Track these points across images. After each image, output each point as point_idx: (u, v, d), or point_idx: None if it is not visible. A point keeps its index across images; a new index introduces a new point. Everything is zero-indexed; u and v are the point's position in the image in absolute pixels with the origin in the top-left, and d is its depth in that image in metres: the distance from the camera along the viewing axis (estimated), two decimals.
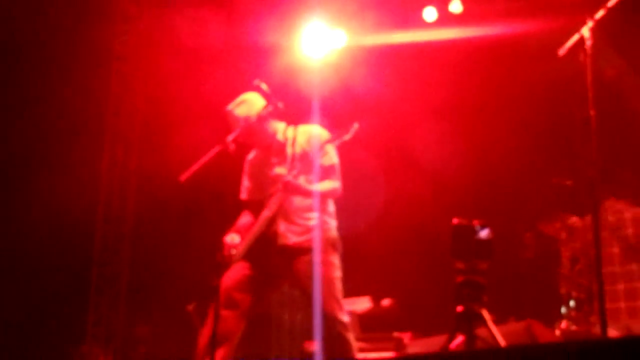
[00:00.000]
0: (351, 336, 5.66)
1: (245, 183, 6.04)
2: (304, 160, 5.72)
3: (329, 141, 5.73)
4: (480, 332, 5.01)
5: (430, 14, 9.59)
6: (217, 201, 5.74)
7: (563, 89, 8.17)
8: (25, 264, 9.49)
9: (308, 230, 5.70)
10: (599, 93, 4.88)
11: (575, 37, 4.96)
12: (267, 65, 8.79)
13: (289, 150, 5.83)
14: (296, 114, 6.09)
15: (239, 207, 6.04)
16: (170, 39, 10.00)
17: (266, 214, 5.67)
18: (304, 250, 5.65)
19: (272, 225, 5.68)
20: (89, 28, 9.93)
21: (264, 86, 5.89)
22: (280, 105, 5.87)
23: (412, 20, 9.49)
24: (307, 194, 5.68)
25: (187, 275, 9.03)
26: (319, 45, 8.91)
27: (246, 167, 6.09)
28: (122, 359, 9.20)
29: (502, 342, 4.93)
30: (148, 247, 9.94)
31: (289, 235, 5.69)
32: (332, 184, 5.77)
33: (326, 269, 5.59)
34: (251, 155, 6.11)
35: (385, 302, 8.61)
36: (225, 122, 5.94)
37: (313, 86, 6.80)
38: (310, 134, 5.84)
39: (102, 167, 10.31)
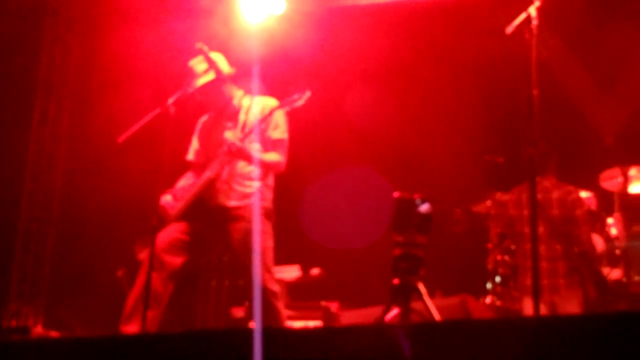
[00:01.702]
0: (281, 305, 5.70)
1: (194, 144, 6.03)
2: (256, 130, 5.70)
3: (278, 107, 5.72)
4: (416, 305, 5.05)
5: None
6: (153, 164, 5.63)
7: (505, 66, 8.26)
8: None
9: (245, 196, 5.71)
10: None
11: (522, 16, 5.00)
12: (204, 29, 8.67)
13: (241, 117, 5.82)
14: (234, 80, 6.05)
15: (175, 171, 5.97)
16: None
17: (207, 174, 5.66)
18: (239, 217, 5.65)
19: (211, 187, 5.65)
20: None
21: (206, 49, 5.85)
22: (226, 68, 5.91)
23: None
24: (250, 159, 5.66)
25: (118, 238, 8.91)
26: (257, 11, 8.80)
27: (197, 128, 6.07)
28: (50, 319, 9.06)
29: (437, 316, 4.97)
30: (79, 207, 9.78)
31: (226, 197, 5.67)
32: (277, 157, 5.78)
33: (257, 236, 5.59)
34: (204, 117, 6.08)
35: (315, 271, 8.64)
36: (162, 84, 5.89)
37: (251, 52, 6.72)
38: (265, 105, 5.82)
39: (32, 123, 10.07)
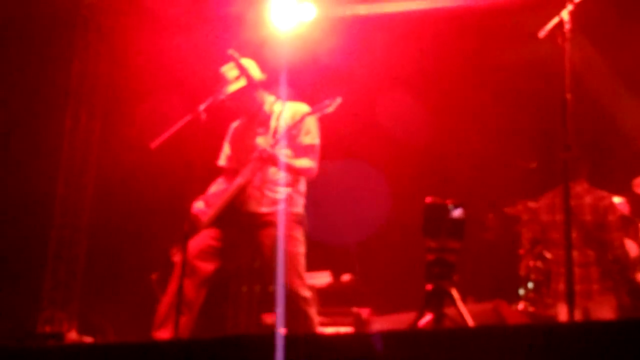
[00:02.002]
0: (313, 311, 5.69)
1: (226, 150, 6.05)
2: (287, 134, 5.70)
3: (309, 113, 5.73)
4: (449, 311, 5.02)
5: None
6: (184, 170, 5.67)
7: (538, 71, 8.20)
8: None
9: (275, 202, 5.71)
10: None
11: (555, 20, 4.98)
12: (235, 36, 8.71)
13: (272, 123, 5.83)
14: (265, 86, 6.06)
15: (207, 177, 6.00)
16: (136, 6, 9.85)
17: (239, 181, 5.67)
18: (269, 223, 5.66)
19: (242, 194, 5.66)
20: None
21: (237, 55, 5.88)
22: (258, 75, 5.94)
23: None
24: (281, 166, 5.65)
25: (150, 243, 8.95)
26: (287, 18, 8.82)
27: (229, 134, 6.10)
28: (84, 325, 9.11)
29: (470, 322, 4.95)
30: (110, 214, 9.83)
31: (257, 203, 5.68)
32: (308, 163, 5.77)
33: (290, 244, 5.61)
34: (236, 123, 6.10)
35: (345, 277, 8.64)
36: (192, 91, 5.92)
37: (281, 58, 6.73)
38: (296, 111, 5.83)
39: (64, 130, 10.15)
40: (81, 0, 10.30)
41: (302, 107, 5.87)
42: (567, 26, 4.96)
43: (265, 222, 5.68)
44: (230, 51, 5.89)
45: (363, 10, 9.53)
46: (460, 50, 9.62)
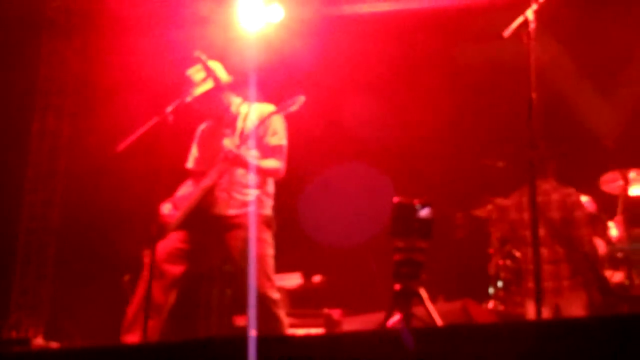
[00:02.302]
0: (282, 313, 5.69)
1: (194, 152, 6.04)
2: (254, 137, 5.69)
3: (274, 112, 5.72)
4: (417, 310, 5.03)
5: None
6: (152, 172, 5.64)
7: (503, 70, 8.23)
8: None
9: (244, 204, 5.70)
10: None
11: (519, 19, 4.99)
12: (201, 37, 8.67)
13: (239, 124, 5.81)
14: (232, 88, 6.05)
15: (175, 179, 5.97)
16: (103, 7, 9.79)
17: (206, 182, 5.65)
18: (238, 225, 5.65)
19: (209, 195, 5.64)
20: None
21: (204, 57, 5.86)
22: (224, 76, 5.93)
23: None
24: (247, 166, 5.64)
25: (119, 246, 8.90)
26: (254, 19, 8.79)
27: (197, 136, 6.07)
28: (51, 330, 9.04)
29: (439, 321, 4.96)
30: (79, 217, 9.77)
31: (225, 206, 5.66)
32: (275, 163, 5.76)
33: (258, 246, 5.61)
34: (203, 125, 6.08)
35: (316, 278, 8.63)
36: (159, 92, 5.89)
37: (248, 60, 6.72)
38: (262, 112, 5.82)
39: (32, 133, 10.08)
40: (47, 3, 10.23)
41: (268, 108, 5.86)
42: (532, 25, 4.98)
43: (234, 225, 5.67)
44: (197, 53, 5.88)
45: (330, 11, 9.53)
46: (426, 51, 9.67)
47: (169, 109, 5.62)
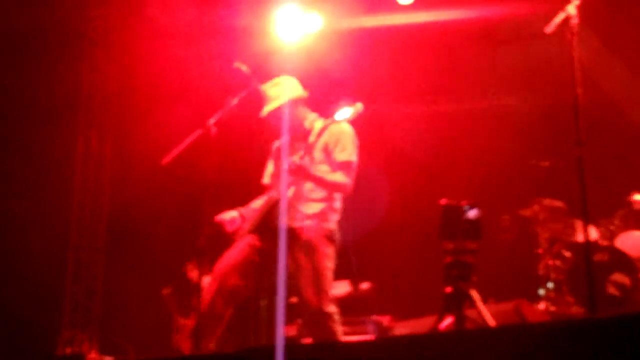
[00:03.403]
0: (338, 327, 5.65)
1: (269, 168, 6.04)
2: (322, 151, 5.67)
3: (334, 121, 5.67)
4: (470, 312, 4.98)
5: None
6: (197, 185, 5.65)
7: (547, 68, 8.16)
8: (1, 250, 9.38)
9: (309, 217, 5.70)
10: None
11: (561, 15, 4.95)
12: (241, 48, 8.71)
13: (311, 138, 5.75)
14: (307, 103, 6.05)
15: (220, 191, 5.96)
16: (142, 22, 9.87)
17: (273, 194, 5.64)
18: (300, 238, 5.64)
19: (275, 208, 5.63)
20: (60, 13, 9.77)
21: (244, 68, 5.86)
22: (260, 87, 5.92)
23: (387, 3, 9.39)
24: (313, 179, 5.66)
25: (166, 260, 8.97)
26: (293, 29, 8.80)
27: (272, 152, 6.08)
28: (104, 345, 9.12)
29: (491, 322, 4.91)
30: (126, 233, 9.84)
31: (290, 218, 5.65)
32: (342, 178, 5.73)
33: (319, 259, 5.60)
34: (278, 141, 6.06)
35: (364, 285, 8.60)
36: (200, 104, 5.91)
37: (288, 70, 6.71)
38: (334, 129, 5.78)
39: (76, 152, 10.19)
40: (87, 21, 10.32)
41: (343, 126, 5.82)
42: (575, 20, 4.93)
43: (296, 237, 5.65)
44: (237, 64, 5.88)
45: (369, 22, 9.50)
46: (465, 57, 9.59)
47: (212, 121, 5.64)
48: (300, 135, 5.85)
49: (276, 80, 5.98)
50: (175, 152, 5.63)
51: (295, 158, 5.55)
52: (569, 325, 3.46)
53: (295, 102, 5.89)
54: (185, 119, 6.72)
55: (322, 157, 5.68)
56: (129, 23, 10.16)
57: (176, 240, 8.81)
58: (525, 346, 3.23)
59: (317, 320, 5.53)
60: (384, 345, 3.66)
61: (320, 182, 5.68)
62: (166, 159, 5.61)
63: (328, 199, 5.75)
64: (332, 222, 5.77)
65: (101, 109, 10.36)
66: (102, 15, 10.40)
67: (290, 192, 5.66)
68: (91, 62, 10.39)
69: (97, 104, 10.37)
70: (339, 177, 5.71)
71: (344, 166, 5.74)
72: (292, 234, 5.63)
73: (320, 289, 5.55)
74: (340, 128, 5.79)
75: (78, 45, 10.28)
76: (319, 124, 5.88)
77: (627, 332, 3.04)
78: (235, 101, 5.81)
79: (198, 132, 5.65)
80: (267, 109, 5.87)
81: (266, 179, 6.05)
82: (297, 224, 5.67)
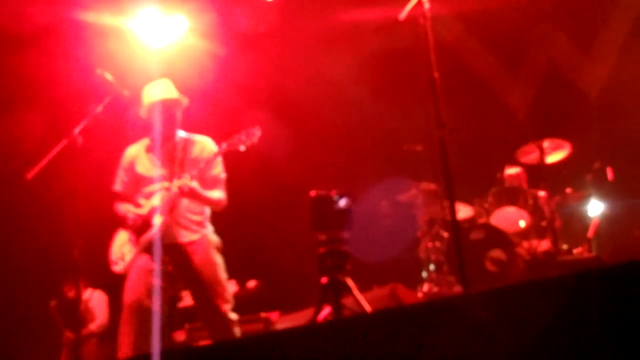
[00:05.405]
0: (238, 331, 5.69)
1: (121, 175, 5.87)
2: (195, 168, 5.61)
3: (220, 152, 5.63)
4: (346, 301, 5.03)
5: None
6: (66, 195, 5.52)
7: (405, 55, 8.29)
8: None
9: (195, 231, 5.68)
10: (440, 57, 4.98)
11: (414, 1, 5.04)
12: (103, 52, 8.41)
13: (178, 154, 5.70)
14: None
15: (88, 200, 5.83)
16: None
17: (160, 219, 5.54)
18: (192, 251, 5.63)
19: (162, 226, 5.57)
20: None
21: (108, 76, 5.77)
22: (126, 92, 5.81)
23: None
24: (201, 199, 5.64)
25: (39, 275, 8.71)
26: (158, 34, 8.58)
27: (125, 159, 5.90)
28: None
29: (368, 308, 4.97)
30: None
31: (182, 233, 5.63)
32: (221, 195, 5.75)
33: (214, 270, 5.62)
34: (131, 148, 5.93)
35: (251, 283, 8.61)
36: (56, 110, 5.78)
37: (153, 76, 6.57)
38: (205, 146, 5.76)
39: None
40: None
41: (209, 143, 5.81)
42: (426, 5, 5.03)
43: (188, 251, 5.63)
44: (99, 70, 5.78)
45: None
46: (328, 53, 9.62)
47: (77, 130, 5.53)
48: (167, 148, 5.79)
49: (159, 80, 5.89)
50: (40, 164, 5.49)
51: (186, 180, 5.51)
52: (441, 303, 3.53)
53: (180, 104, 5.84)
54: (40, 125, 6.52)
55: (195, 173, 5.64)
56: None
57: (49, 254, 8.55)
58: (400, 328, 3.27)
59: (222, 326, 5.55)
60: (259, 343, 3.66)
61: (205, 201, 5.69)
62: (31, 173, 5.47)
63: (202, 211, 5.77)
64: (213, 234, 5.79)
65: None
66: None
67: (168, 209, 5.61)
68: None
69: None
70: (218, 194, 5.75)
71: (217, 182, 5.77)
72: (183, 249, 5.61)
73: (223, 299, 5.60)
74: (206, 143, 5.80)
75: None
76: (182, 137, 5.85)
77: (499, 307, 3.12)
78: (99, 109, 5.71)
79: (63, 143, 5.52)
80: (155, 98, 5.73)
81: (118, 186, 5.90)
82: (191, 237, 5.66)
